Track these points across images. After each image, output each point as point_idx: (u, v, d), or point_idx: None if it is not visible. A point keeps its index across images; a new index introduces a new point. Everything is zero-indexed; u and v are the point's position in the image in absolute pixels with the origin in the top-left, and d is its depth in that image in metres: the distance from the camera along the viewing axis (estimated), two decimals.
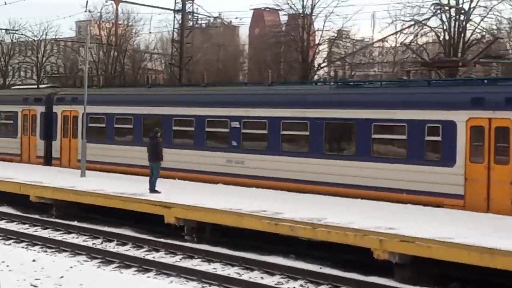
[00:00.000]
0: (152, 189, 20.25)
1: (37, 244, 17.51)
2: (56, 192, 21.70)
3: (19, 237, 18.28)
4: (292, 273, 14.35)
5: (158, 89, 30.93)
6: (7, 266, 12.96)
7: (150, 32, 60.89)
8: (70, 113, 28.58)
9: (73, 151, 27.99)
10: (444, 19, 36.88)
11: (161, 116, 25.11)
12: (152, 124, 23.92)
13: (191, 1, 46.35)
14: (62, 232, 19.43)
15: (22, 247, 17.15)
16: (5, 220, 21.24)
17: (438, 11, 35.65)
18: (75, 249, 16.73)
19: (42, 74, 61.34)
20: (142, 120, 25.90)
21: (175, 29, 47.02)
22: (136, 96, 27.87)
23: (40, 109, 30.11)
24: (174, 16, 46.39)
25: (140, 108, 26.17)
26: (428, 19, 37.63)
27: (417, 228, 14.49)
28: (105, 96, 28.38)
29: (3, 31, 60.26)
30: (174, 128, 24.75)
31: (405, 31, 39.10)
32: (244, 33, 76.63)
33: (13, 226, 20.35)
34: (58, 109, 29.18)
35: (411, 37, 39.24)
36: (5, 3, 41.98)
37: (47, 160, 29.39)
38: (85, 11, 47.40)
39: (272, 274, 14.49)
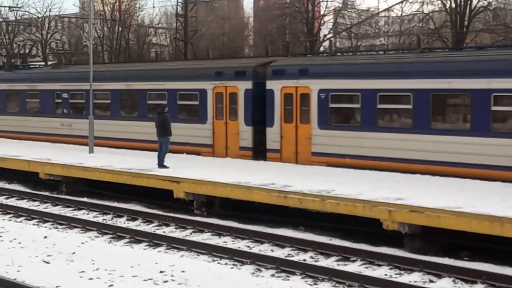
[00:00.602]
0: (161, 164, 20.31)
1: (48, 221, 17.64)
2: (65, 168, 21.79)
3: (30, 214, 18.41)
4: (302, 245, 14.42)
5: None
6: (19, 243, 13.10)
7: (153, 7, 60.75)
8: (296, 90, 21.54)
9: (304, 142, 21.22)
10: None
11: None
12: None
13: None
14: (72, 208, 19.56)
15: (33, 224, 17.29)
16: (16, 198, 21.38)
17: None
18: (86, 225, 16.85)
19: (47, 51, 61.23)
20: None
21: (179, 3, 46.75)
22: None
23: (244, 85, 22.96)
24: None
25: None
26: None
27: (426, 197, 14.51)
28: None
29: (7, 8, 60.11)
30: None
31: (410, 0, 38.80)
32: (248, 6, 76.39)
33: (23, 203, 20.48)
34: (274, 85, 21.81)
35: (417, 6, 38.97)
36: None
37: (258, 152, 22.50)
38: None
39: (282, 247, 14.56)
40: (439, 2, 38.05)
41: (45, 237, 13.69)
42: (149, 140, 23.72)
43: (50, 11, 61.20)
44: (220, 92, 23.40)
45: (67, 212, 19.16)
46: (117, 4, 55.71)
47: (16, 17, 61.70)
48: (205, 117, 23.59)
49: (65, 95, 29.21)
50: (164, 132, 20.48)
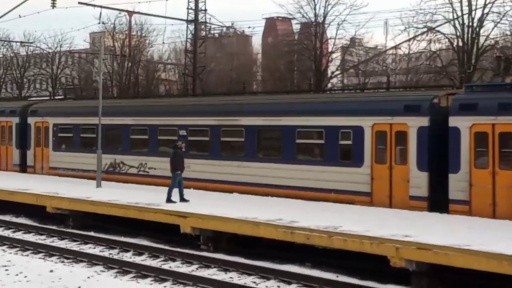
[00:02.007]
0: (168, 199, 20.32)
1: (54, 255, 17.59)
2: (72, 202, 21.82)
3: (36, 248, 18.38)
4: (308, 282, 14.31)
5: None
6: (25, 277, 13.07)
7: (163, 43, 61.37)
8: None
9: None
10: (457, 25, 36.85)
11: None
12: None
13: (203, 11, 46.60)
14: (79, 242, 19.53)
15: (40, 258, 17.25)
16: (23, 231, 21.38)
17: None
18: (92, 260, 16.80)
19: (57, 85, 61.81)
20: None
21: (188, 39, 47.26)
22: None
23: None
24: (187, 26, 46.66)
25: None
26: (441, 25, 37.63)
27: (433, 235, 14.42)
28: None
29: (18, 43, 60.89)
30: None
31: (418, 38, 39.09)
32: (257, 42, 76.87)
33: (30, 237, 20.47)
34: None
35: (424, 44, 39.24)
36: (20, 16, 42.24)
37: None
38: (99, 23, 47.52)
39: (289, 283, 14.46)
40: (446, 40, 38.34)
41: (51, 271, 13.66)
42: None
43: (61, 46, 61.96)
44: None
45: (74, 246, 19.12)
46: (127, 40, 56.32)
47: (27, 52, 62.47)
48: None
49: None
50: (171, 167, 20.56)
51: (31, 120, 31.86)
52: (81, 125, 29.57)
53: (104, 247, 18.73)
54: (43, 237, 20.57)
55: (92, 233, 20.52)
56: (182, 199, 20.38)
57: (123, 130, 27.76)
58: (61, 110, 31.59)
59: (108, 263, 16.40)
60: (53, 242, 19.76)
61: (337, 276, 14.96)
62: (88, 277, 13.13)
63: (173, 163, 20.62)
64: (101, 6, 43.12)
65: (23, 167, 32.17)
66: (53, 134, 30.82)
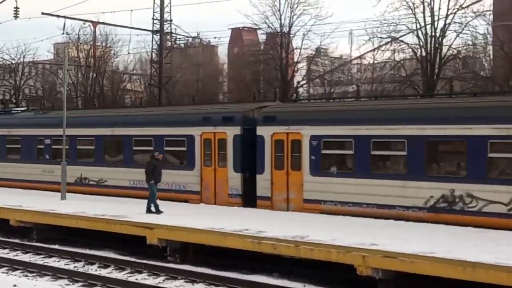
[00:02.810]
0: (148, 209, 20.45)
1: (17, 269, 17.27)
2: (37, 215, 21.50)
3: None
4: None
5: None
6: None
7: (128, 53, 61.05)
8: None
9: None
10: (420, 35, 37.38)
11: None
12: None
13: (169, 22, 46.44)
14: (43, 256, 19.23)
15: (3, 272, 16.92)
16: None
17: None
18: (56, 273, 16.54)
19: (20, 97, 61.01)
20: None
21: (153, 50, 47.08)
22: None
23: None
24: (153, 37, 46.44)
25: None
26: (405, 35, 38.13)
27: (400, 243, 14.54)
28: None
29: None
30: None
31: (382, 48, 39.54)
32: (223, 53, 77.07)
33: None
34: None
35: (388, 54, 39.71)
36: None
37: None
38: (63, 33, 47.34)
39: None
40: (410, 50, 38.86)
41: (15, 285, 13.47)
42: None
43: (24, 57, 61.24)
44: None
45: (38, 259, 18.82)
46: (92, 50, 55.94)
47: None
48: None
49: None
50: (146, 177, 20.77)
51: None
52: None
53: (69, 260, 18.48)
54: (6, 250, 20.18)
55: (56, 246, 20.23)
56: (151, 211, 20.37)
57: None
58: None
59: (73, 276, 16.17)
60: (16, 255, 19.41)
61: (304, 286, 14.99)
62: None
63: (146, 173, 20.72)
64: (64, 17, 42.91)
65: None
66: None
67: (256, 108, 23.41)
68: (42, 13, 41.36)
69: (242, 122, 22.68)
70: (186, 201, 23.51)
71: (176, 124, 24.48)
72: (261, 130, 21.88)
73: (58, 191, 25.17)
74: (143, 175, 21.33)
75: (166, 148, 24.23)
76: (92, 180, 27.17)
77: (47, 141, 29.00)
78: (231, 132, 22.72)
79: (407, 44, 38.54)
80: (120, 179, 25.87)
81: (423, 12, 36.93)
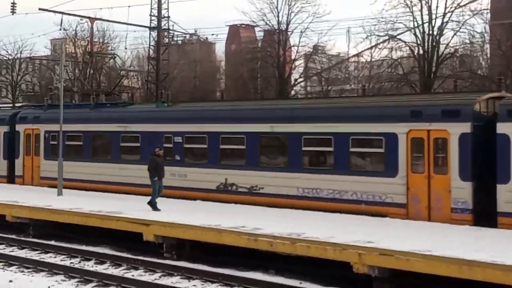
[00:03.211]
0: (154, 207, 20.10)
1: (13, 265, 17.25)
2: (33, 211, 21.48)
3: None
4: None
5: None
6: None
7: (126, 49, 60.99)
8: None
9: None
10: (418, 33, 37.44)
11: None
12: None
13: (166, 18, 46.43)
14: (39, 251, 19.21)
15: None
16: None
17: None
18: (52, 269, 16.53)
19: (17, 92, 60.94)
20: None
21: (151, 46, 47.06)
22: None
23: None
24: (150, 33, 46.49)
25: None
26: (402, 33, 38.21)
27: (396, 241, 14.56)
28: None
29: None
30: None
31: (379, 46, 39.61)
32: (220, 50, 77.03)
33: None
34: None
35: (386, 52, 39.78)
36: None
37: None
38: (60, 29, 47.24)
39: None
40: (407, 48, 38.91)
41: (11, 281, 13.44)
42: None
43: (21, 52, 61.15)
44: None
45: (34, 255, 18.79)
46: (89, 46, 55.84)
47: None
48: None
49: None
50: (150, 175, 20.41)
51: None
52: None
53: (65, 256, 18.46)
54: (2, 246, 20.14)
55: (53, 242, 20.21)
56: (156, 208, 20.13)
57: None
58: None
59: (69, 272, 16.15)
60: (12, 251, 19.40)
61: (300, 283, 14.99)
62: (49, 287, 12.96)
63: (149, 169, 20.39)
64: (62, 12, 42.82)
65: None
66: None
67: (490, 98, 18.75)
68: (39, 9, 41.30)
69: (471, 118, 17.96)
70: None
71: (369, 120, 19.63)
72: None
73: (193, 198, 22.64)
74: (312, 181, 19.60)
75: (354, 149, 19.86)
76: (242, 187, 22.33)
77: (178, 139, 24.08)
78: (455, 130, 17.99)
79: (405, 42, 38.68)
80: (282, 187, 21.25)
81: (421, 10, 37.08)
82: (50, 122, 27.88)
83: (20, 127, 29.86)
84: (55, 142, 26.92)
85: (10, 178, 29.92)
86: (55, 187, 24.88)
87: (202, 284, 15.12)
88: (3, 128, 30.49)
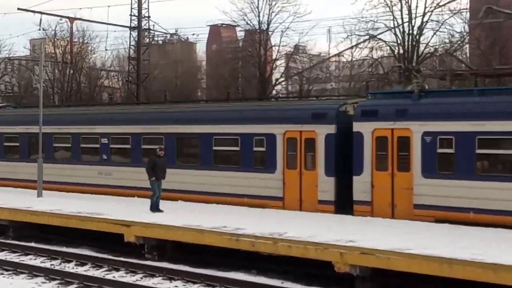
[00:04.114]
0: (156, 208, 20.00)
1: None
2: (13, 213, 21.28)
3: None
4: None
5: None
6: None
7: (106, 49, 60.65)
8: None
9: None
10: (398, 33, 37.61)
11: None
12: None
13: (147, 18, 46.24)
14: (19, 253, 19.03)
15: None
16: None
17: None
18: (33, 271, 16.38)
19: None
20: None
21: (131, 46, 46.83)
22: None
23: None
24: (130, 33, 46.25)
25: None
26: (382, 33, 38.37)
27: (377, 240, 14.62)
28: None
29: None
30: None
31: (360, 46, 39.73)
32: (201, 49, 76.82)
33: None
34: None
35: (366, 51, 39.91)
36: None
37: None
38: (39, 29, 46.83)
39: None
40: (388, 48, 39.07)
41: None
42: None
43: None
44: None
45: (14, 257, 18.61)
46: (69, 46, 55.44)
47: None
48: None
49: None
50: (148, 176, 20.26)
51: None
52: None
53: (45, 258, 18.31)
54: None
55: (33, 244, 20.04)
56: (159, 210, 20.02)
57: None
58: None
59: (49, 274, 16.02)
60: None
61: (282, 283, 15.00)
62: None
63: (149, 170, 20.19)
64: (41, 12, 42.51)
65: None
66: None
67: None
68: (18, 9, 40.99)
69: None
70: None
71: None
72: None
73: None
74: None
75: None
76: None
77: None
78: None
79: (385, 42, 38.81)
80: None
81: (401, 10, 37.20)
82: None
83: None
84: None
85: None
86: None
87: (184, 285, 15.08)
88: None
